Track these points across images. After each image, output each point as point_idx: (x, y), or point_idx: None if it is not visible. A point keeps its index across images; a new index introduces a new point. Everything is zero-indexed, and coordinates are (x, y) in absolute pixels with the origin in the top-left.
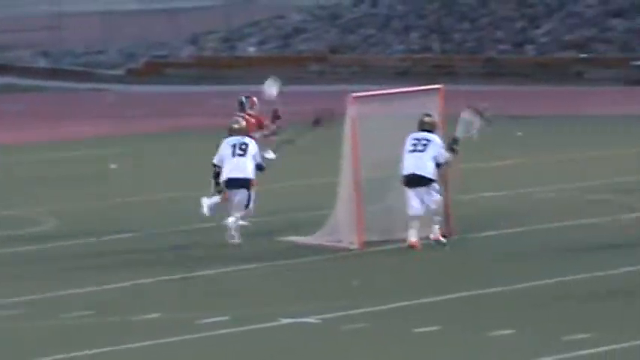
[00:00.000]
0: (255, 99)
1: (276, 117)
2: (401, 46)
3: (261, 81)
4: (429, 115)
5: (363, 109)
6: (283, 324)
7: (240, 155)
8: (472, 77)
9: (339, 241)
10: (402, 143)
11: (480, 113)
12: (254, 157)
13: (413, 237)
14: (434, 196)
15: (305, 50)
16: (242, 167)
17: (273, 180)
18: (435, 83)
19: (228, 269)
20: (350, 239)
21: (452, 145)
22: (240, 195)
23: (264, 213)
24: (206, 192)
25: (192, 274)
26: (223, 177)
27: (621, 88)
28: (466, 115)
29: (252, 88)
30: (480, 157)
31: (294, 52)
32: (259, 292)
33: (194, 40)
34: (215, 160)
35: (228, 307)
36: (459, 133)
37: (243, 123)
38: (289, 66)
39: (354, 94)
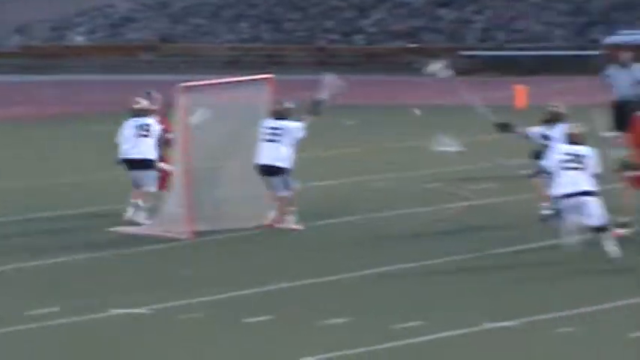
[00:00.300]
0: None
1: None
2: (231, 35)
3: (91, 70)
4: (282, 103)
5: (194, 99)
6: (114, 314)
7: (144, 136)
8: (303, 67)
9: (170, 231)
10: (233, 133)
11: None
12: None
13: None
14: (290, 185)
15: (135, 39)
16: (143, 148)
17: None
18: (265, 73)
19: (59, 260)
20: (181, 229)
21: (315, 107)
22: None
23: (103, 202)
24: (44, 181)
25: (25, 264)
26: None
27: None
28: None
29: (83, 77)
30: (312, 146)
31: (124, 41)
32: (89, 283)
33: (21, 30)
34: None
35: (58, 297)
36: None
37: (145, 103)
38: (119, 55)
39: (184, 84)
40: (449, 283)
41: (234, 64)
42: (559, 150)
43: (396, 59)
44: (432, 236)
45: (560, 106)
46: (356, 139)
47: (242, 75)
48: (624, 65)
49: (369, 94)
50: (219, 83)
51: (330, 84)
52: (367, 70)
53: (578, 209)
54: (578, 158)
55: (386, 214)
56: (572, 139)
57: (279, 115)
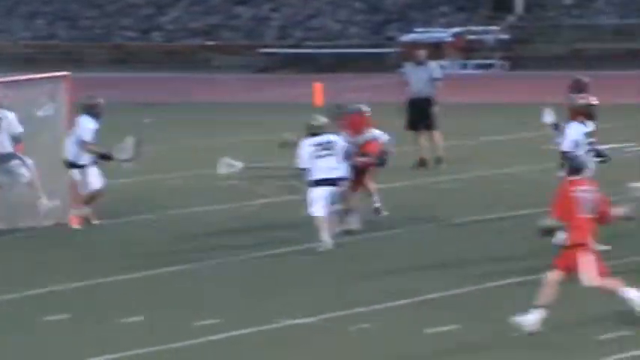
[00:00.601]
0: None
1: None
2: (27, 32)
3: None
4: (90, 97)
5: None
6: None
7: None
8: (100, 64)
9: None
10: (29, 131)
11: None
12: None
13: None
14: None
15: None
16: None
17: None
18: (62, 70)
19: None
20: None
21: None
22: None
23: None
24: None
25: None
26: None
27: (249, 75)
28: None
29: None
30: (109, 143)
31: None
32: None
33: None
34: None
35: None
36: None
37: None
38: None
39: None
40: (244, 281)
41: (30, 61)
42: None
43: (194, 57)
44: (227, 234)
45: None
46: (154, 136)
47: (38, 73)
48: (419, 63)
49: (167, 92)
50: (15, 81)
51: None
52: (166, 68)
53: (330, 197)
54: (328, 145)
55: (182, 212)
56: (316, 131)
57: (82, 111)
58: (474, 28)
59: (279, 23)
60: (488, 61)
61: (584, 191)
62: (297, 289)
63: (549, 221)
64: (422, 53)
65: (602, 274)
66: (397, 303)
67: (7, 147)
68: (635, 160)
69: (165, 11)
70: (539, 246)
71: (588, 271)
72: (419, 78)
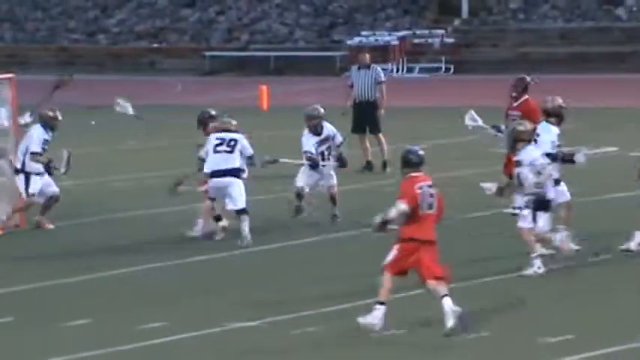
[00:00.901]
0: None
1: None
2: None
3: None
4: (52, 110)
5: None
6: None
7: None
8: (45, 67)
9: None
10: None
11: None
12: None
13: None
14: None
15: None
16: None
17: None
18: (7, 72)
19: None
20: None
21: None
22: None
23: None
24: None
25: None
26: None
27: (195, 78)
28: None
29: None
30: (57, 146)
31: None
32: None
33: None
34: None
35: None
36: None
37: None
38: None
39: None
40: (188, 284)
41: None
42: (211, 138)
43: (140, 59)
44: (172, 237)
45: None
46: (100, 139)
47: None
48: (364, 66)
49: (113, 95)
50: None
51: None
52: (111, 71)
53: (223, 190)
54: (228, 142)
55: (127, 215)
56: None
57: None
58: (419, 31)
59: (226, 26)
60: (434, 65)
61: (424, 187)
62: (241, 291)
63: (380, 217)
64: (366, 57)
65: (440, 276)
66: (342, 307)
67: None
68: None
69: (111, 14)
70: (487, 249)
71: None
72: (363, 82)
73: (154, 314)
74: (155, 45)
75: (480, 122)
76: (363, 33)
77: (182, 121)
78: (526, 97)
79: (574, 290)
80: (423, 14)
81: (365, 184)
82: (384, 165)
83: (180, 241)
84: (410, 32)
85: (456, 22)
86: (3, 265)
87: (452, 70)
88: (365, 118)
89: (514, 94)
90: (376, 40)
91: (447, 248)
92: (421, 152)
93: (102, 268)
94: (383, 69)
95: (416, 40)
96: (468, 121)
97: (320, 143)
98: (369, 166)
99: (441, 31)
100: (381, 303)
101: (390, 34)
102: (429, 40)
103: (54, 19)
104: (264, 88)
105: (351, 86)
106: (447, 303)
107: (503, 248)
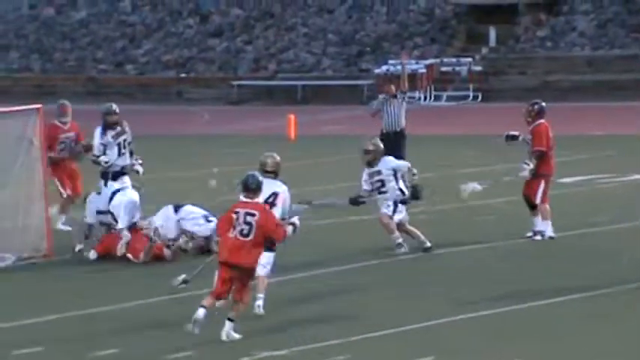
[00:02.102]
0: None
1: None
2: (1, 65)
3: None
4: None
5: None
6: None
7: None
8: (74, 96)
9: None
10: (1, 163)
11: None
12: None
13: None
14: None
15: None
16: None
17: None
18: (36, 103)
19: None
20: None
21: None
22: None
23: None
24: None
25: None
26: None
27: (223, 107)
28: None
29: None
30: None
31: None
32: None
33: None
34: None
35: None
36: None
37: None
38: None
39: None
40: (213, 312)
41: (3, 94)
42: None
43: (168, 89)
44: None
45: None
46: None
47: (12, 105)
48: (392, 96)
49: (141, 124)
50: None
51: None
52: (139, 101)
53: None
54: None
55: None
56: None
57: None
58: (447, 59)
59: (253, 55)
60: (461, 93)
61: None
62: (274, 318)
63: None
64: (391, 88)
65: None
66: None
67: None
68: (609, 191)
69: (139, 44)
70: (516, 274)
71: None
72: (390, 112)
73: (181, 342)
74: (183, 75)
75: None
76: (391, 61)
77: (209, 150)
78: (540, 121)
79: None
80: (451, 42)
81: None
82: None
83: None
84: (437, 60)
85: (484, 50)
86: (32, 295)
87: (479, 98)
88: (392, 148)
89: (528, 119)
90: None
91: (483, 273)
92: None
93: (130, 298)
94: (410, 97)
95: (443, 68)
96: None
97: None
98: None
99: (468, 59)
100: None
101: (417, 63)
102: (457, 69)
103: (82, 50)
104: (291, 117)
105: (374, 115)
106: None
107: (539, 272)
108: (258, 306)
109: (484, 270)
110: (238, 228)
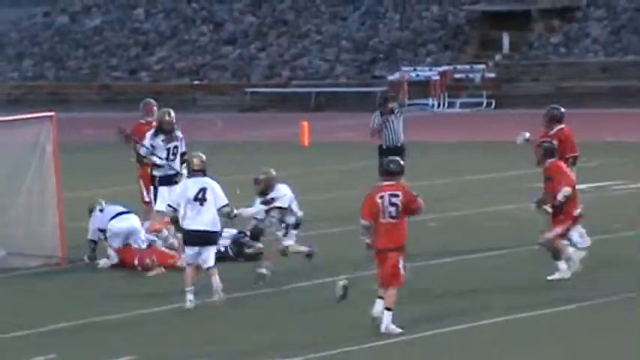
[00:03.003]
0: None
1: None
2: (14, 73)
3: None
4: None
5: None
6: None
7: None
8: (88, 104)
9: None
10: (15, 171)
11: None
12: None
13: None
14: None
15: None
16: None
17: None
18: (49, 111)
19: None
20: None
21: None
22: None
23: None
24: None
25: None
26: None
27: (237, 114)
28: None
29: None
30: (104, 183)
31: None
32: None
33: None
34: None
35: None
36: None
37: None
38: None
39: None
40: (232, 320)
41: (16, 102)
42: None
43: (181, 96)
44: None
45: None
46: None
47: (26, 113)
48: (390, 111)
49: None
50: (1, 121)
51: None
52: None
53: None
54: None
55: None
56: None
57: None
58: (460, 66)
59: (267, 63)
60: (475, 100)
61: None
62: (282, 328)
63: None
64: (390, 105)
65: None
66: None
67: None
68: (623, 198)
69: (153, 51)
70: (528, 281)
71: None
72: (390, 127)
73: (197, 350)
74: (196, 82)
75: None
76: (404, 68)
77: (223, 157)
78: (561, 126)
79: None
80: (464, 49)
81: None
82: None
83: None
84: (451, 67)
85: (497, 56)
86: (45, 302)
87: (493, 105)
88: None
89: (546, 126)
90: (417, 75)
91: (495, 280)
92: None
93: (145, 305)
94: (424, 104)
95: (457, 75)
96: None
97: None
98: None
99: (481, 66)
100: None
101: (430, 70)
102: (470, 75)
103: (96, 57)
104: (305, 124)
105: (373, 135)
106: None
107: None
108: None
109: (496, 277)
110: (387, 211)
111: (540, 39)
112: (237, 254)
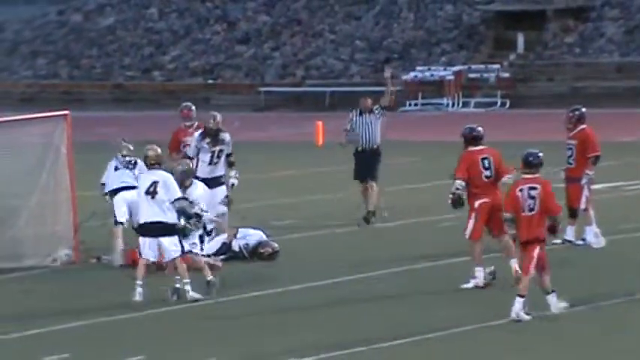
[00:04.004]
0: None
1: None
2: (28, 72)
3: None
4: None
5: None
6: None
7: None
8: (101, 103)
9: None
10: (29, 170)
11: None
12: None
13: None
14: None
15: None
16: None
17: None
18: (63, 110)
19: None
20: None
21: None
22: None
23: None
24: None
25: None
26: None
27: (251, 114)
28: None
29: None
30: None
31: None
32: None
33: None
34: None
35: None
36: None
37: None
38: None
39: None
40: (239, 320)
41: (30, 100)
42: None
43: (195, 96)
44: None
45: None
46: None
47: (39, 112)
48: (367, 111)
49: (168, 131)
50: (16, 120)
51: None
52: (166, 107)
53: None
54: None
55: None
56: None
57: None
58: (475, 66)
59: (281, 62)
60: (489, 99)
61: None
62: (294, 328)
63: None
64: (367, 102)
65: None
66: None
67: None
68: (637, 198)
69: (166, 50)
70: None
71: None
72: (366, 128)
73: (206, 351)
74: (210, 81)
75: None
76: (419, 68)
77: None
78: (583, 126)
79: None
80: (479, 49)
81: (421, 219)
82: (372, 215)
83: (227, 278)
84: (465, 67)
85: (512, 56)
86: (59, 301)
87: (507, 105)
88: (367, 166)
89: (569, 126)
90: (431, 75)
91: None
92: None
93: (156, 305)
94: (439, 103)
95: (471, 75)
96: None
97: None
98: (368, 215)
99: (496, 66)
100: None
101: (445, 69)
102: (485, 75)
103: (109, 56)
104: (319, 123)
105: (347, 131)
106: None
107: (565, 279)
108: None
109: (510, 277)
110: (526, 204)
111: (555, 39)
112: (251, 254)
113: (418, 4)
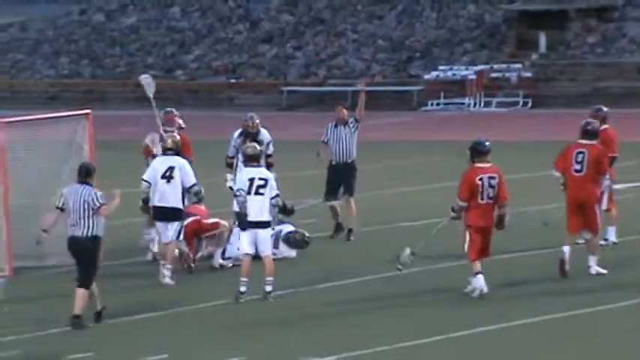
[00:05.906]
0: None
1: None
2: (51, 70)
3: None
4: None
5: (12, 135)
6: None
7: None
8: (123, 102)
9: None
10: (52, 169)
11: None
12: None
13: None
14: None
15: None
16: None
17: None
18: (85, 108)
19: None
20: (0, 266)
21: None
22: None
23: None
24: None
25: None
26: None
27: (273, 113)
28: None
29: None
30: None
31: None
32: None
33: None
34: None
35: None
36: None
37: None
38: None
39: (3, 119)
40: (264, 318)
41: (53, 99)
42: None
43: (218, 95)
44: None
45: None
46: None
47: (61, 111)
48: (341, 123)
49: (192, 130)
50: (38, 119)
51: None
52: (189, 106)
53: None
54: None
55: None
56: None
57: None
58: (497, 65)
59: (303, 61)
60: (511, 99)
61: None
62: (318, 325)
63: None
64: (343, 112)
65: None
66: (423, 341)
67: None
68: None
69: (189, 50)
70: (562, 281)
71: None
72: (341, 141)
73: (231, 349)
74: (233, 80)
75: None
76: (441, 67)
77: None
78: (605, 126)
79: None
80: (501, 48)
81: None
82: (349, 232)
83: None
84: (487, 66)
85: (534, 56)
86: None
87: (529, 105)
88: (341, 180)
89: None
90: (453, 74)
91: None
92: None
93: (180, 303)
94: (460, 103)
95: (493, 75)
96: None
97: None
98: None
99: (518, 66)
100: None
101: (467, 69)
102: (507, 75)
103: (132, 56)
104: None
105: (325, 142)
106: None
107: (585, 279)
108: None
109: (529, 277)
110: (485, 193)
111: (577, 39)
112: (287, 241)
113: (441, 3)
